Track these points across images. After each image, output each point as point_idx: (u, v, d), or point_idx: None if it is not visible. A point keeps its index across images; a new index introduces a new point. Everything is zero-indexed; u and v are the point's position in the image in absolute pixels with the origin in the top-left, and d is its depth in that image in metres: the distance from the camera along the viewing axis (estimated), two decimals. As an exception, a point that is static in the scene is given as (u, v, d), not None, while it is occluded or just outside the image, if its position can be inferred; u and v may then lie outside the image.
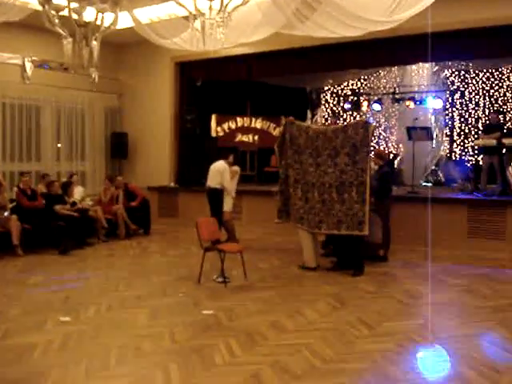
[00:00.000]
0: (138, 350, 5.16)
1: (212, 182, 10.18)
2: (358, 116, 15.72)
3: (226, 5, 6.83)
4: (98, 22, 7.23)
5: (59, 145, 13.53)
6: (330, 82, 15.80)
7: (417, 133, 12.40)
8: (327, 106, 16.54)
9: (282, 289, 7.48)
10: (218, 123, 14.35)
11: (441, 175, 13.97)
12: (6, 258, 9.46)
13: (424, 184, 13.68)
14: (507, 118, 13.88)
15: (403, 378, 4.59)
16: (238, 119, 14.49)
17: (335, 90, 16.44)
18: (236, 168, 10.52)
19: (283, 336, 5.60)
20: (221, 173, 10.08)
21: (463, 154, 14.49)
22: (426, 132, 12.71)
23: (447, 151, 14.68)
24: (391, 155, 15.22)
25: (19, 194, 10.32)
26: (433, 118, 14.91)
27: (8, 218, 9.81)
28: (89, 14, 7.18)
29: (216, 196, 10.21)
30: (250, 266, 8.16)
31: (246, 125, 14.48)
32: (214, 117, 14.27)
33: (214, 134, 14.23)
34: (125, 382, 4.50)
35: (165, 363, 4.83)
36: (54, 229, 10.09)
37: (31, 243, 9.98)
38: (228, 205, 10.22)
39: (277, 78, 13.92)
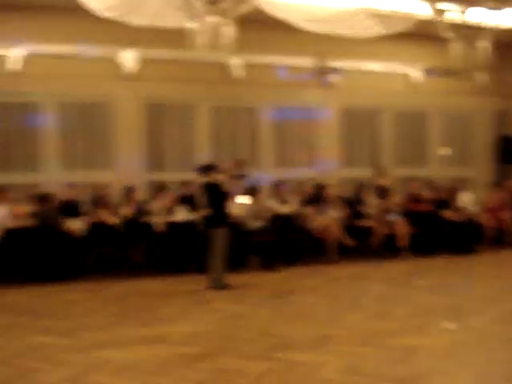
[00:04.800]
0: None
1: None
2: None
3: None
4: (487, 22, 7.05)
5: (443, 151, 13.52)
6: None
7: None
8: None
9: None
10: None
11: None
12: (393, 259, 9.88)
13: None
14: None
15: None
16: None
17: None
18: None
19: None
20: None
21: None
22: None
23: None
24: None
25: (407, 199, 10.69)
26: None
27: (395, 221, 10.26)
28: (476, 15, 7.04)
29: None
30: None
31: None
32: None
33: None
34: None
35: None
36: (441, 233, 10.17)
37: (420, 246, 10.22)
38: None
39: None
